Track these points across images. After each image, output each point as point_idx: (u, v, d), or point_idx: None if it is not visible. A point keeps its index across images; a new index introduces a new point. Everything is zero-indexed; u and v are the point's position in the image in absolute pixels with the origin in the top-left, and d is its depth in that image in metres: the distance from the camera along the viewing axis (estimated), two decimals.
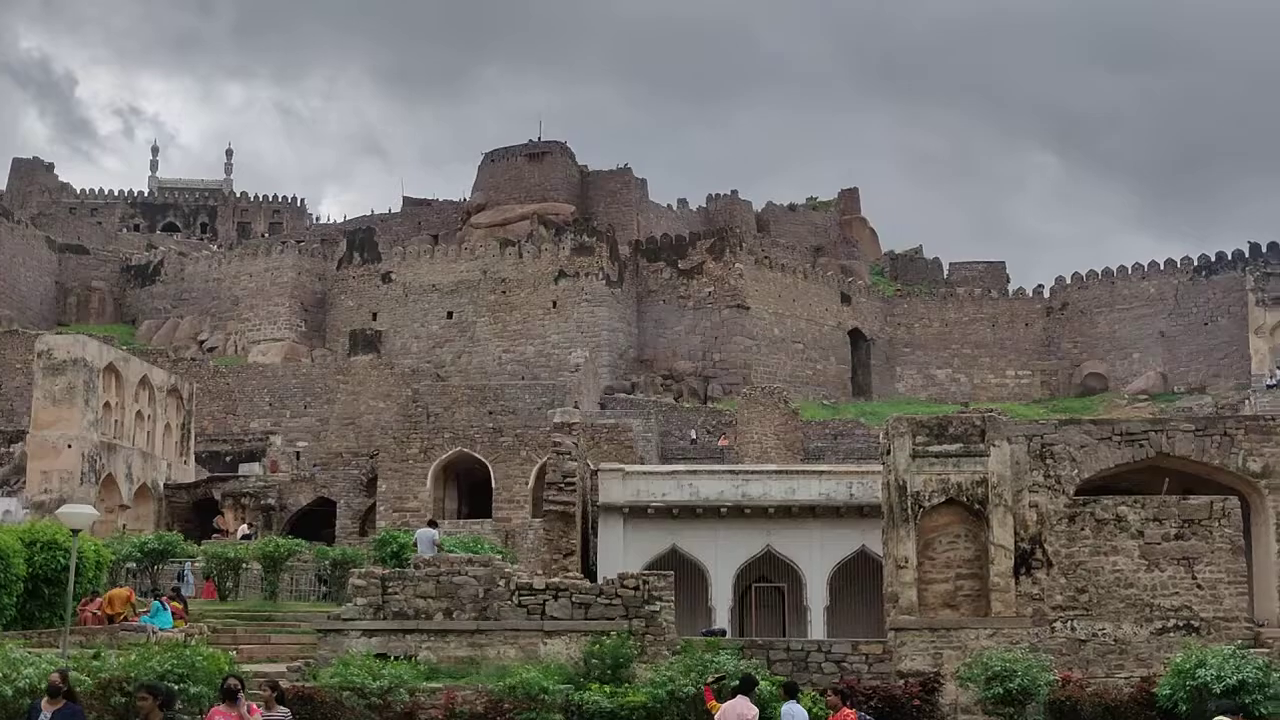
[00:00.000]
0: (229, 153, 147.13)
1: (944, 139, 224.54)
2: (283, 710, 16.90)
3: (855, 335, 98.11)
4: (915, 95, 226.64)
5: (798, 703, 20.20)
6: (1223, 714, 17.85)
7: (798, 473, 44.61)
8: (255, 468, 69.73)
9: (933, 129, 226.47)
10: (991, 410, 43.11)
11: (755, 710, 19.10)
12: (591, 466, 43.88)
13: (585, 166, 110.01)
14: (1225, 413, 65.91)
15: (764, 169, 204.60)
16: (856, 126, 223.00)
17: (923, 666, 27.28)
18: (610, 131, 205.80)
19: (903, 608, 28.25)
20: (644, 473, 45.05)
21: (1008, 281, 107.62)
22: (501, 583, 28.12)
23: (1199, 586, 28.07)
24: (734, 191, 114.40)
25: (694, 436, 74.09)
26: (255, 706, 16.56)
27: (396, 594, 28.01)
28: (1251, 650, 24.70)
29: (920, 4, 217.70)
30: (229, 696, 16.34)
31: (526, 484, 58.76)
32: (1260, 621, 30.38)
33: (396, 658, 26.77)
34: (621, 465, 45.80)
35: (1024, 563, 28.41)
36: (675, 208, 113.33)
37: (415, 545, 37.40)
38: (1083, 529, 28.59)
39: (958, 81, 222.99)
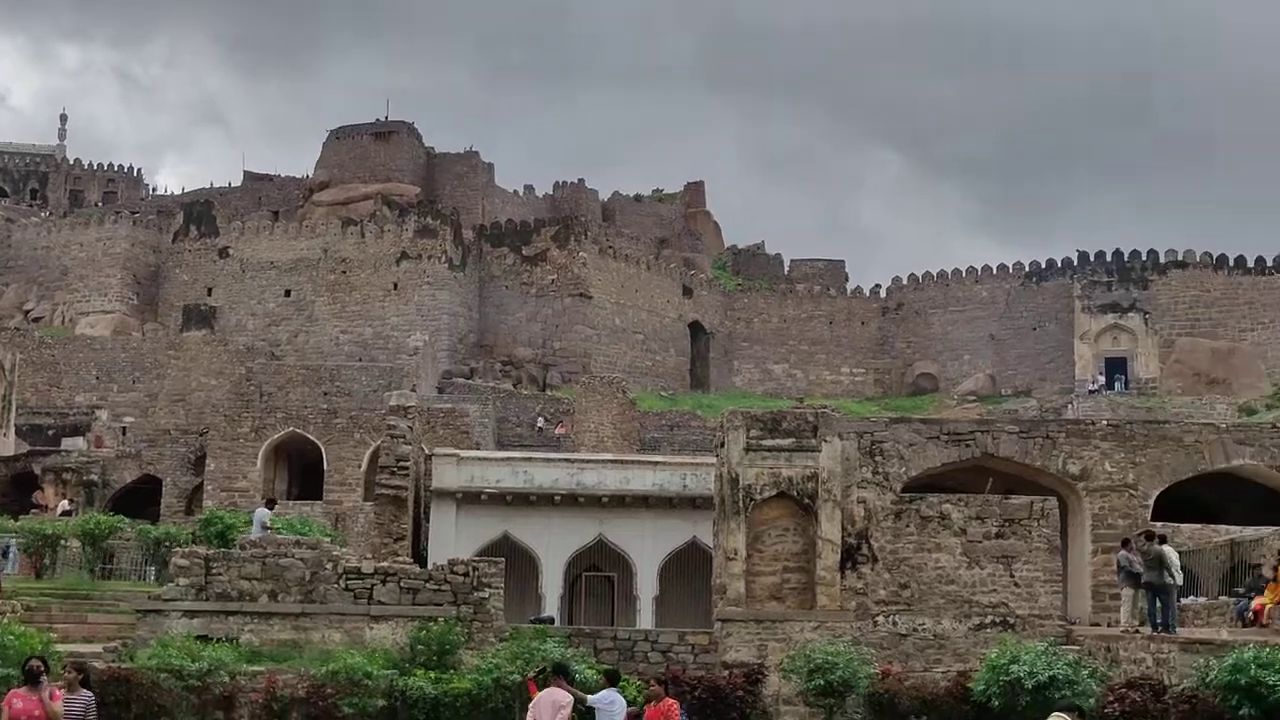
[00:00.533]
0: (63, 117, 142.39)
1: (789, 135, 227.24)
2: (86, 694, 16.34)
3: (695, 328, 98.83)
4: (761, 91, 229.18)
5: (619, 691, 20.25)
6: (1060, 711, 18.30)
7: (632, 463, 44.83)
8: (79, 442, 67.86)
9: (778, 125, 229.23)
10: (825, 407, 43.74)
11: (570, 698, 19.10)
12: (426, 451, 43.53)
13: (432, 148, 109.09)
14: (1049, 416, 67.85)
15: (611, 159, 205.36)
16: (703, 120, 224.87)
17: (747, 658, 27.57)
18: (459, 114, 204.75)
19: (730, 599, 28.53)
20: (478, 459, 44.86)
21: (846, 280, 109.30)
22: (329, 566, 27.76)
23: (1016, 584, 28.81)
24: (580, 180, 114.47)
25: (541, 424, 73.93)
26: (58, 691, 16.00)
27: (220, 575, 27.49)
28: (1063, 647, 25.39)
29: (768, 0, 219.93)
30: (31, 679, 15.80)
31: (359, 467, 58.11)
32: (1073, 619, 31.31)
33: (218, 640, 26.26)
34: (456, 451, 45.53)
35: (850, 557, 28.89)
36: (522, 194, 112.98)
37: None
38: (908, 526, 29.16)
39: (803, 78, 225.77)
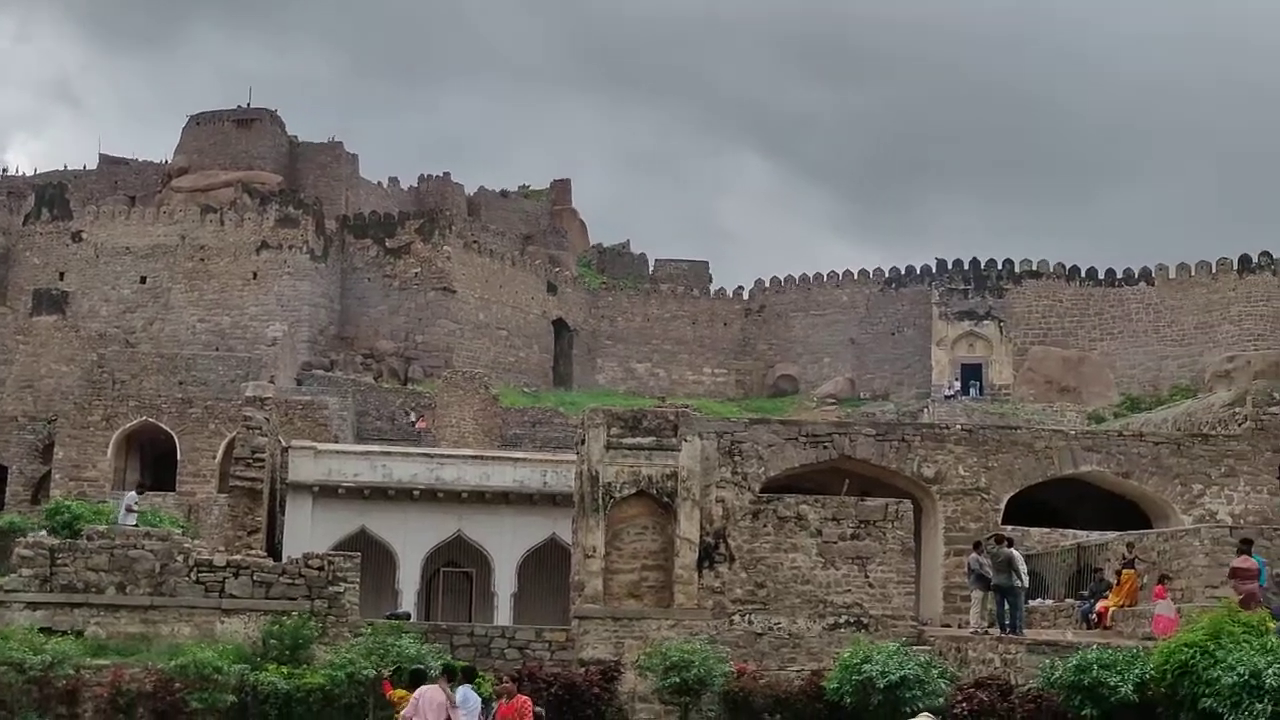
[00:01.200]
0: None
1: (655, 135, 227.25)
2: None
3: (559, 325, 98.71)
4: (628, 90, 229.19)
5: (473, 688, 20.17)
6: (927, 712, 18.62)
7: (492, 458, 44.60)
8: None
9: (644, 124, 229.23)
10: (686, 406, 43.97)
11: (473, 697, 19.16)
12: (283, 443, 42.89)
13: (295, 137, 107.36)
14: (906, 420, 68.93)
15: (478, 154, 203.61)
16: (571, 118, 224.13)
17: (604, 655, 27.62)
18: (323, 104, 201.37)
19: (588, 596, 28.55)
20: (336, 452, 44.32)
21: (710, 281, 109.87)
22: (180, 558, 27.24)
23: (870, 585, 29.24)
24: (446, 174, 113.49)
25: (414, 419, 73.02)
26: None
27: (66, 566, 26.83)
28: (915, 648, 25.83)
29: None
30: None
31: (214, 458, 57.11)
32: (924, 620, 31.86)
33: (63, 633, 25.62)
34: (313, 443, 44.93)
35: (708, 556, 29.08)
36: (386, 186, 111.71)
37: None
38: (765, 526, 29.44)
39: (670, 78, 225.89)
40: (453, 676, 19.92)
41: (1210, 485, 35.44)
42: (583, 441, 29.86)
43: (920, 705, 21.77)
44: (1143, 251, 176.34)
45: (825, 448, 33.11)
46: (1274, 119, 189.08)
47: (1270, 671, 18.77)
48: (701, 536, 28.98)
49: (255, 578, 27.37)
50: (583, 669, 26.55)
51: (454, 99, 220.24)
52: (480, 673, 23.07)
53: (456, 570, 42.94)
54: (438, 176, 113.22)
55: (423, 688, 19.31)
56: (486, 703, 20.96)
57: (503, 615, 40.32)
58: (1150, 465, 35.48)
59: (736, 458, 30.39)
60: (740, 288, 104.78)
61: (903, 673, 23.04)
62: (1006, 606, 27.51)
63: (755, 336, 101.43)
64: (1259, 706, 18.64)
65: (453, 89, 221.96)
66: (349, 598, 27.58)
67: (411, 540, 41.07)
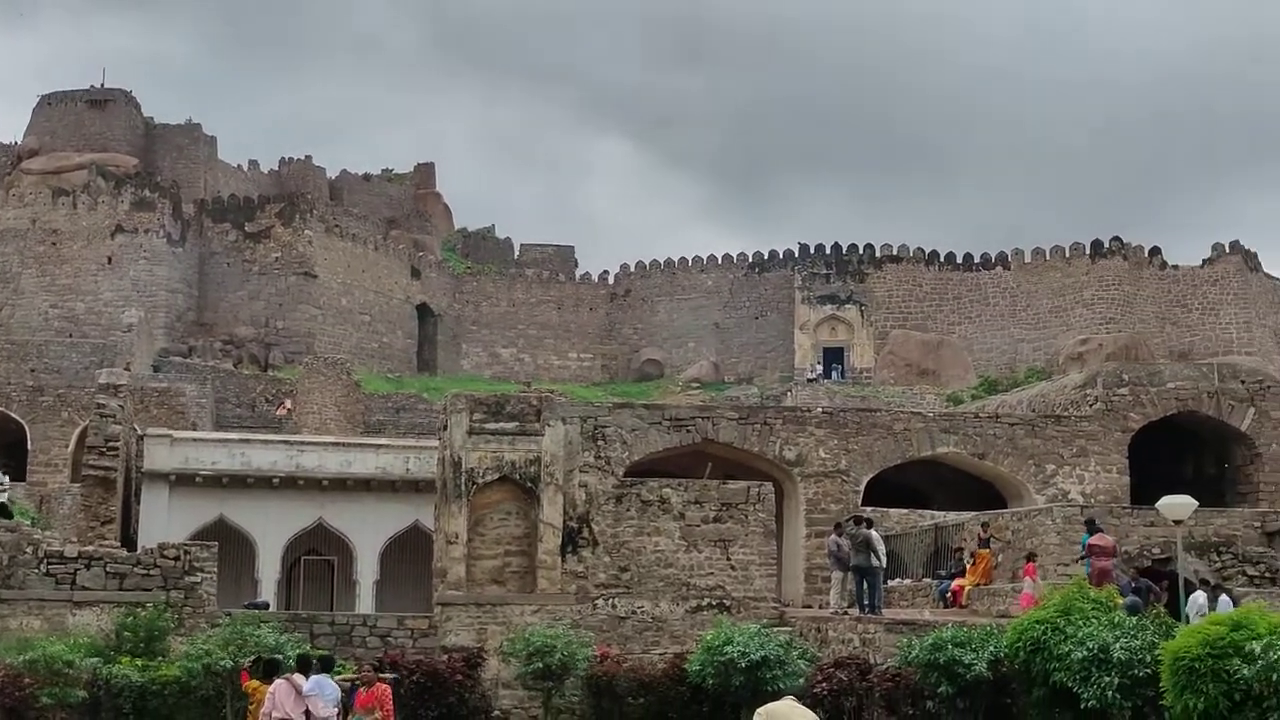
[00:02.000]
0: None
1: (522, 120, 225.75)
2: None
3: (423, 310, 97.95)
4: (497, 75, 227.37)
5: (331, 676, 19.93)
6: (790, 695, 18.78)
7: (354, 445, 44.15)
8: None
9: (511, 109, 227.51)
10: (551, 391, 43.94)
11: (329, 685, 18.94)
12: (139, 431, 42.02)
13: (151, 119, 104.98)
14: (769, 403, 69.63)
15: (342, 138, 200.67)
16: (437, 102, 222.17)
17: (467, 641, 27.48)
18: (181, 85, 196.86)
19: (450, 583, 28.39)
20: (193, 439, 43.54)
21: (576, 266, 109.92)
22: (29, 549, 26.54)
23: (733, 567, 29.44)
24: (308, 157, 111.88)
25: (289, 408, 71.48)
26: None
27: None
28: (776, 629, 26.07)
29: None
30: None
31: (67, 447, 55.82)
32: (786, 601, 32.25)
33: None
34: (169, 431, 44.08)
35: (571, 541, 29.06)
36: (246, 169, 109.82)
37: None
38: (629, 510, 29.48)
39: (537, 62, 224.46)
40: (307, 666, 19.68)
41: (1063, 465, 36.37)
42: (445, 427, 29.65)
43: (780, 685, 21.96)
44: (1002, 237, 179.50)
45: (689, 431, 33.34)
46: (1126, 110, 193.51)
47: (1118, 645, 19.26)
48: (565, 521, 28.94)
49: (108, 569, 26.77)
50: (445, 656, 26.36)
51: (317, 82, 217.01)
52: (341, 661, 22.81)
53: (318, 558, 42.44)
54: (299, 160, 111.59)
55: (278, 681, 19.07)
56: (350, 690, 20.73)
57: (365, 603, 39.96)
58: (1005, 446, 36.29)
59: (600, 442, 30.48)
60: (606, 273, 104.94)
61: (763, 653, 23.21)
62: (865, 587, 27.93)
63: (620, 321, 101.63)
64: (1107, 679, 19.13)
65: (316, 72, 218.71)
66: (206, 588, 27.11)
67: (271, 529, 40.52)
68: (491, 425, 29.13)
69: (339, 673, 20.98)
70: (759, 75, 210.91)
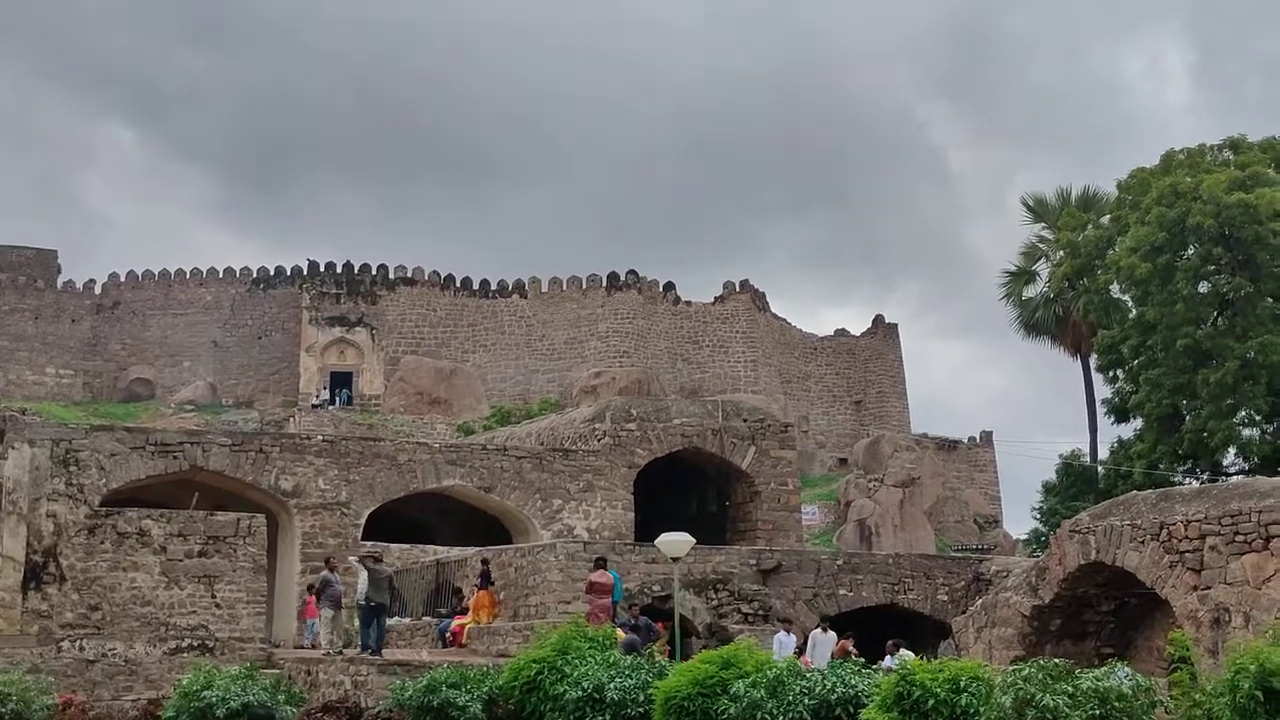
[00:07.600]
0: None
1: (4, 95, 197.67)
2: None
3: None
4: None
5: None
6: None
7: None
8: None
9: None
10: (22, 410, 40.28)
11: None
12: None
13: None
14: (269, 429, 67.03)
15: None
16: None
17: None
18: None
19: None
20: None
21: (59, 272, 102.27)
22: None
23: (218, 605, 27.52)
24: None
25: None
26: None
27: None
28: (262, 671, 24.39)
29: None
30: None
31: None
32: (277, 641, 30.47)
33: None
34: None
35: (35, 577, 26.35)
36: None
37: None
38: (103, 542, 27.07)
39: (20, 29, 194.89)
40: None
41: (570, 500, 36.31)
42: None
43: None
44: (527, 262, 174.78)
45: (176, 458, 31.16)
46: (659, 140, 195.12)
47: (612, 685, 19.16)
48: (29, 555, 26.17)
49: None
50: None
51: None
52: None
53: None
54: None
55: None
56: None
57: None
58: (513, 480, 35.88)
59: (73, 467, 27.82)
60: (92, 281, 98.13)
61: (245, 699, 21.61)
62: (375, 625, 26.57)
63: (108, 335, 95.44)
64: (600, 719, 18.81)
65: None
66: None
67: None
68: None
69: None
70: (280, 63, 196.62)
